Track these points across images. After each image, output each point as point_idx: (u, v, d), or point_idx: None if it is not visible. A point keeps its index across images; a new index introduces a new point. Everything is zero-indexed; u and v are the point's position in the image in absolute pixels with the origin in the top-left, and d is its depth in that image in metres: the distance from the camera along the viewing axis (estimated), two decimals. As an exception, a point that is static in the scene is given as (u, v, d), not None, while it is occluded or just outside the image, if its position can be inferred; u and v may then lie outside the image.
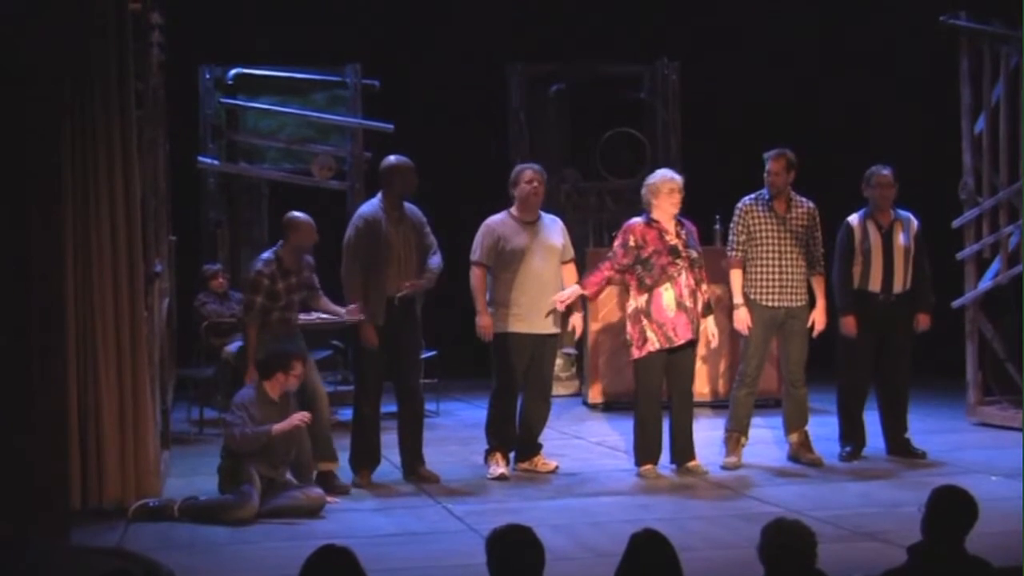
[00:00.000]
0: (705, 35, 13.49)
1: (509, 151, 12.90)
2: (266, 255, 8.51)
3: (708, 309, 8.70)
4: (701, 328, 8.66)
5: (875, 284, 9.05)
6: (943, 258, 10.03)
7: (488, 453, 8.79)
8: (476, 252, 8.71)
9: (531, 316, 8.66)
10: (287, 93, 12.22)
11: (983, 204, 10.40)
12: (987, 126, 10.42)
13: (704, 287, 8.67)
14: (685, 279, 8.51)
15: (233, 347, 10.85)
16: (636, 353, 8.55)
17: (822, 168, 10.82)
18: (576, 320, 8.96)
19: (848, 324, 9.00)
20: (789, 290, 8.81)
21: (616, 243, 8.65)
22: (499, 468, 8.65)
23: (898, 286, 9.05)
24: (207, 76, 12.12)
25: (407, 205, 8.62)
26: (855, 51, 13.30)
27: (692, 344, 8.64)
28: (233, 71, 12.07)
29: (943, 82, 10.90)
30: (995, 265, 10.42)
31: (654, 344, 8.49)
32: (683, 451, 8.71)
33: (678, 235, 8.57)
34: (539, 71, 13.04)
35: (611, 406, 11.46)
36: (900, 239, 9.03)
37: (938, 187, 10.67)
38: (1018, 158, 10.13)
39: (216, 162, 12.03)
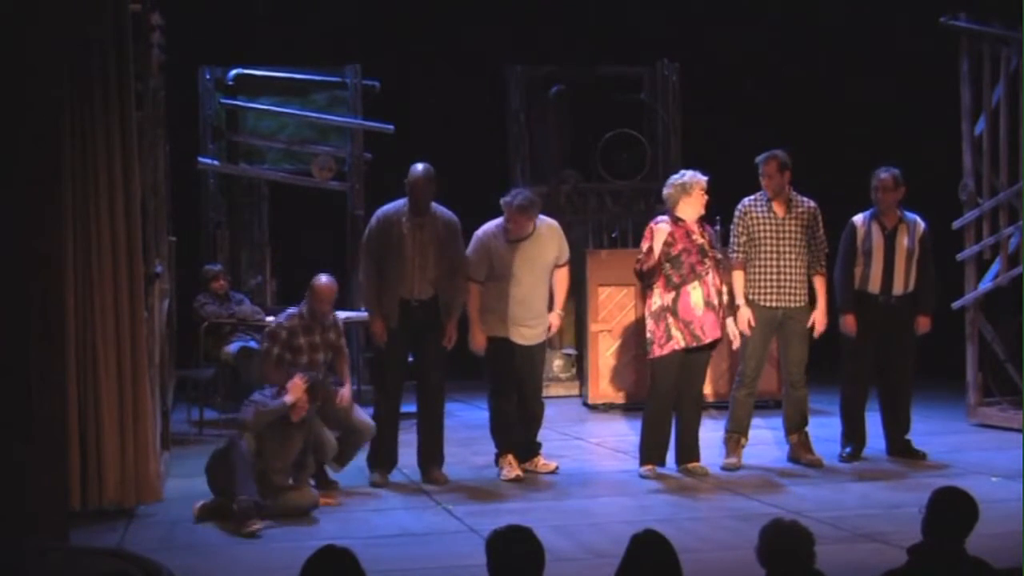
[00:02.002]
0: (705, 35, 13.48)
1: (509, 152, 12.90)
2: (291, 310, 8.52)
3: (731, 309, 8.68)
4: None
5: (874, 285, 9.04)
6: (943, 259, 10.02)
7: (499, 456, 8.77)
8: (469, 267, 8.68)
9: (515, 328, 8.67)
10: (287, 94, 12.21)
11: (983, 205, 10.40)
12: (987, 127, 10.42)
13: (725, 288, 8.65)
14: (712, 279, 8.49)
15: (233, 348, 10.86)
16: (658, 351, 8.47)
17: (822, 168, 10.80)
18: (553, 317, 8.90)
19: (848, 323, 9.00)
20: (787, 291, 8.80)
21: (646, 246, 8.47)
22: (513, 470, 8.64)
23: (898, 288, 9.04)
24: (207, 77, 12.11)
25: (441, 214, 8.56)
26: (856, 51, 13.29)
27: (714, 344, 8.62)
28: (233, 72, 12.06)
29: (943, 83, 10.88)
30: (995, 266, 10.42)
31: (679, 343, 8.44)
32: (687, 452, 8.71)
33: (702, 235, 8.57)
34: (539, 72, 13.01)
35: (611, 407, 11.46)
36: (904, 241, 9.02)
37: (938, 188, 10.65)
38: (1018, 159, 10.12)
39: (216, 163, 12.02)
